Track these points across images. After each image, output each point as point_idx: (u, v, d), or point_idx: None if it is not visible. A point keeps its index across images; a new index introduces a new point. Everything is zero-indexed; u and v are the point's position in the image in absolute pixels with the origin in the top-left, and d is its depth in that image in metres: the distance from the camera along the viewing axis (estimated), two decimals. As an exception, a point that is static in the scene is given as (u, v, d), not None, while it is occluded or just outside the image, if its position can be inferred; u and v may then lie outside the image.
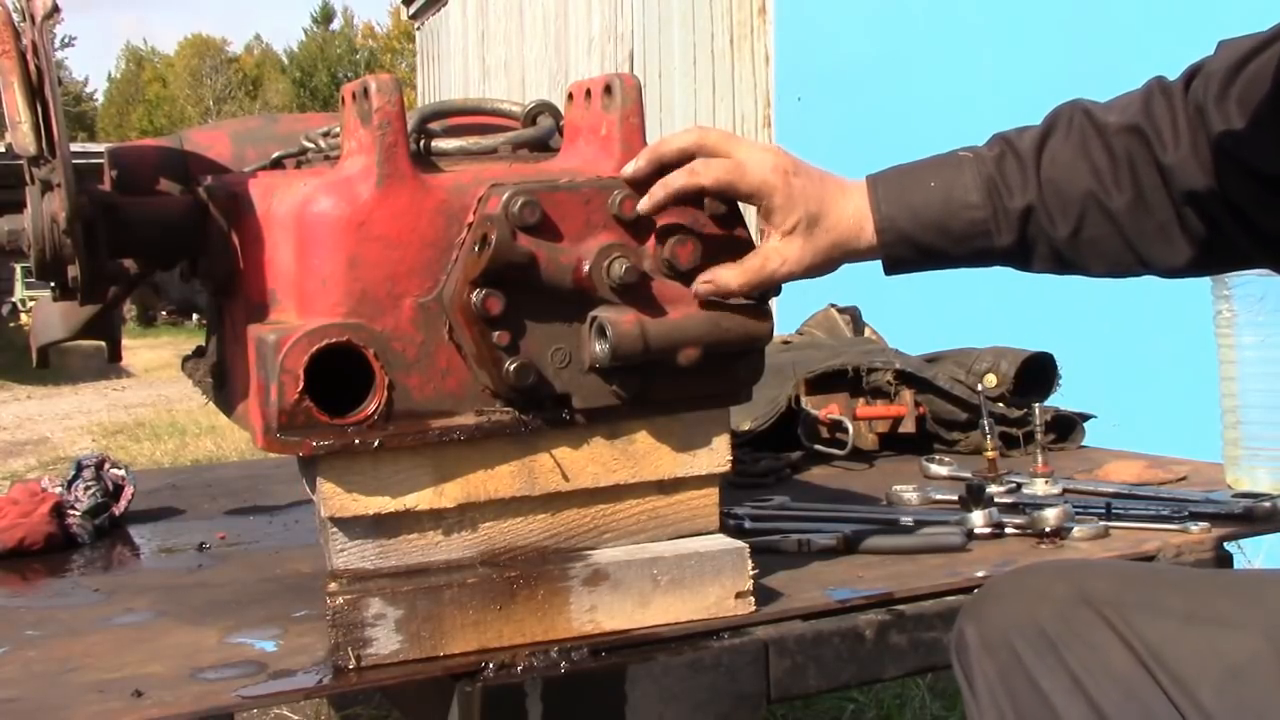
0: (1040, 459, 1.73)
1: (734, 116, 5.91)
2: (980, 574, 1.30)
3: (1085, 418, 2.09)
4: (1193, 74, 1.12)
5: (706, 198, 1.13)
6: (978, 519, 1.47)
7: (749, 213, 1.17)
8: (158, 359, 14.23)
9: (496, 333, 1.07)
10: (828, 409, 2.00)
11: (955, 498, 1.59)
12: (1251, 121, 1.06)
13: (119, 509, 1.73)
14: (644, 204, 1.12)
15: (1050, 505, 1.49)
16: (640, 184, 1.12)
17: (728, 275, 1.14)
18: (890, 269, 1.20)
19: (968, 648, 1.02)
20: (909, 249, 1.17)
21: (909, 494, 1.68)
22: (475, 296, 1.06)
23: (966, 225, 1.15)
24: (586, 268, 1.09)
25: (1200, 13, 3.34)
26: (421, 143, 1.21)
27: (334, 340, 1.04)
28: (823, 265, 1.17)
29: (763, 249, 1.15)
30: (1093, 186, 1.14)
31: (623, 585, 1.14)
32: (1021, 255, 1.17)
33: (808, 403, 2.00)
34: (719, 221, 1.15)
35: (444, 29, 11.18)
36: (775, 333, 1.23)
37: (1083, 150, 1.14)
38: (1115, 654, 0.95)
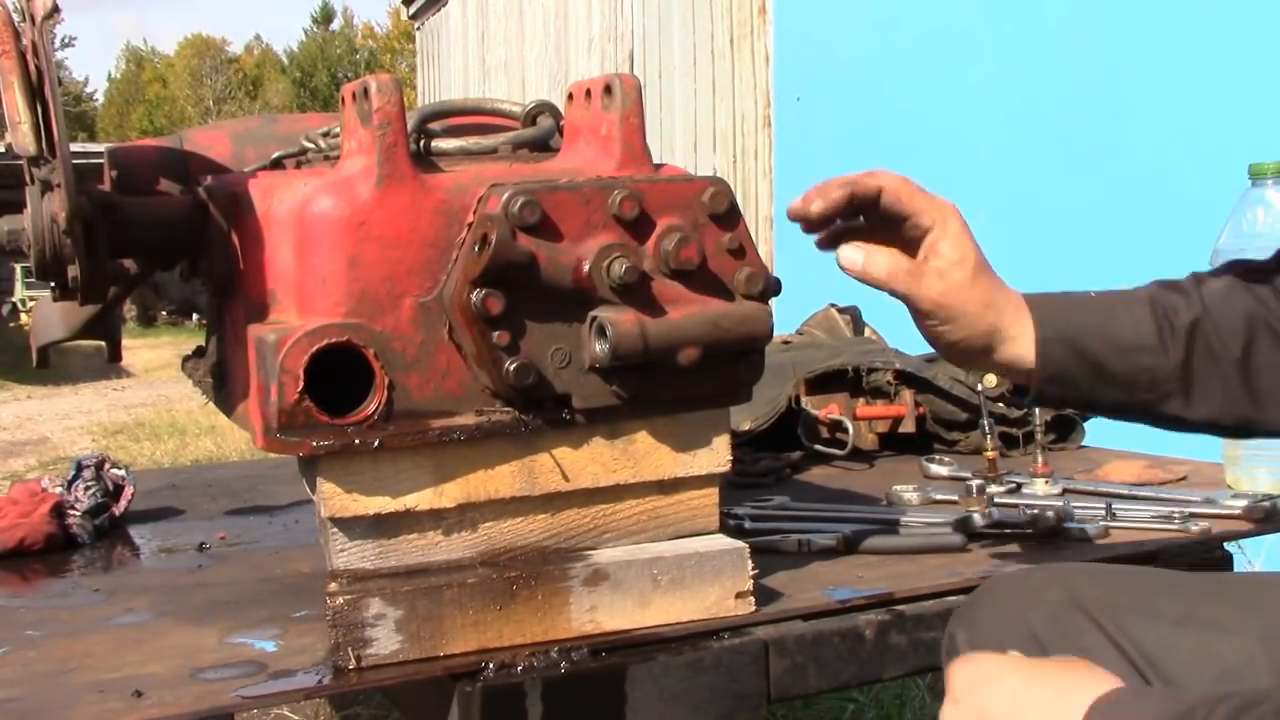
0: (1040, 459, 1.73)
1: (734, 116, 5.91)
2: (980, 574, 1.30)
3: (1085, 418, 2.09)
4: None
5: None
6: (978, 519, 1.47)
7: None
8: (158, 359, 14.23)
9: (496, 333, 1.07)
10: (828, 409, 2.00)
11: (955, 498, 1.59)
12: None
13: (119, 509, 1.73)
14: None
15: (1050, 505, 1.49)
16: (813, 219, 1.09)
17: (878, 263, 1.08)
18: (1039, 392, 1.10)
19: (958, 652, 1.02)
20: (1070, 355, 1.08)
21: (909, 494, 1.68)
22: (475, 296, 1.06)
23: (1132, 336, 1.08)
24: (586, 268, 1.09)
25: (1199, 14, 3.34)
26: (421, 143, 1.21)
27: (334, 340, 1.04)
28: (958, 313, 1.09)
29: (927, 265, 1.09)
30: (1256, 309, 1.09)
31: (623, 585, 1.14)
32: (1184, 381, 1.08)
33: (808, 403, 2.00)
34: (718, 222, 1.15)
35: (444, 29, 11.18)
36: (775, 333, 1.22)
37: (1234, 286, 1.10)
38: (1107, 658, 0.95)
